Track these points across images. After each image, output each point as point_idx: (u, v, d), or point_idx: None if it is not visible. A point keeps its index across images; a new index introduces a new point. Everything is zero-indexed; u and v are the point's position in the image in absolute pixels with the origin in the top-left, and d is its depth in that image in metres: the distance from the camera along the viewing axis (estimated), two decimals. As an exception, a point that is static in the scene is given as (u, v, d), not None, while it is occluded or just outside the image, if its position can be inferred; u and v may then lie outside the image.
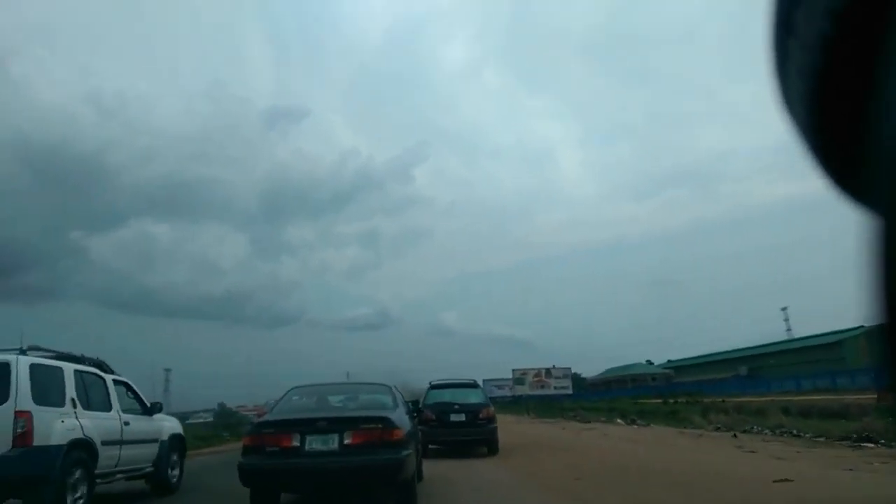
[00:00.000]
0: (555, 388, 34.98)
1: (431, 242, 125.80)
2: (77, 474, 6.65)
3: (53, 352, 7.29)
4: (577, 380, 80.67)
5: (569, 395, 36.82)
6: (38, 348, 7.01)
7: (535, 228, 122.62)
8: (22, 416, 6.01)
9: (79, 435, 6.73)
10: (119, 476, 7.85)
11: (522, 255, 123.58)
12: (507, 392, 50.28)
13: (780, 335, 61.20)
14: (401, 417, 6.82)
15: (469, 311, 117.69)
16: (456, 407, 12.83)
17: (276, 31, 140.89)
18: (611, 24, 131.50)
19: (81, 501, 6.65)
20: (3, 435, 5.90)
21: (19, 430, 5.97)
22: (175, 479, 9.26)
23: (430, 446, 11.88)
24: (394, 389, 7.95)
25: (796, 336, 58.79)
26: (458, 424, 12.59)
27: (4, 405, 5.99)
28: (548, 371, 35.38)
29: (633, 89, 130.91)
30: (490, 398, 43.61)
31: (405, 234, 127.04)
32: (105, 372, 8.07)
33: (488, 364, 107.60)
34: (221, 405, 50.68)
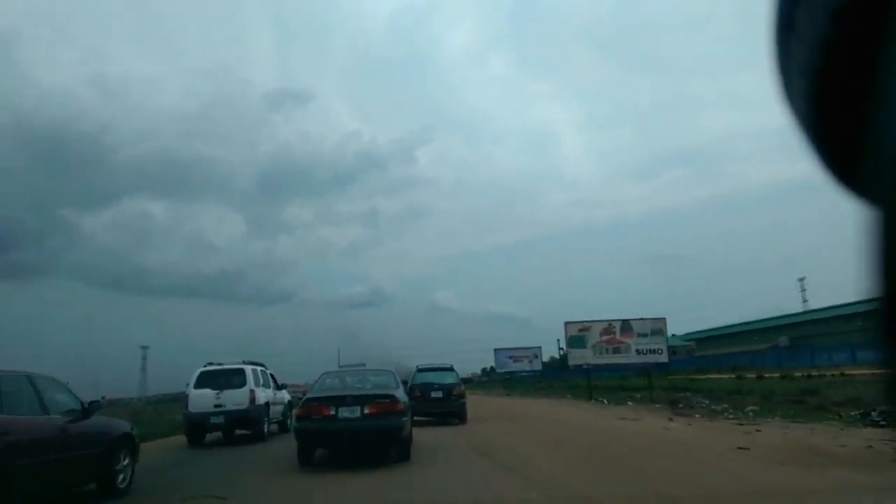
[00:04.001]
0: (637, 351, 22.35)
1: (434, 221, 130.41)
2: (265, 419, 14.41)
3: (250, 360, 14.97)
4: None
5: (663, 365, 24.01)
6: (248, 361, 14.71)
7: (540, 208, 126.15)
8: (252, 392, 13.76)
9: (266, 399, 14.49)
10: (273, 422, 15.56)
11: (526, 233, 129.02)
12: (527, 365, 40.49)
13: (796, 307, 58.17)
14: (401, 394, 9.55)
15: (470, 289, 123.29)
16: (436, 386, 16.13)
17: (281, 15, 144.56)
18: (616, 10, 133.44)
19: (267, 431, 14.41)
20: (244, 399, 13.63)
21: (251, 397, 13.71)
22: (289, 426, 17.00)
23: (414, 417, 13.36)
24: (395, 374, 10.89)
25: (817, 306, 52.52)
26: (437, 400, 15.96)
27: (245, 387, 13.70)
28: (625, 324, 22.71)
29: (637, 73, 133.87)
30: (507, 373, 42.05)
31: (408, 213, 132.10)
32: (266, 368, 15.82)
33: (489, 340, 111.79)
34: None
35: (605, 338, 22.81)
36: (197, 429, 13.61)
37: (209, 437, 14.17)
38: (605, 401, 22.21)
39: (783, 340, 51.50)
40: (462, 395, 16.60)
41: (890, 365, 0.45)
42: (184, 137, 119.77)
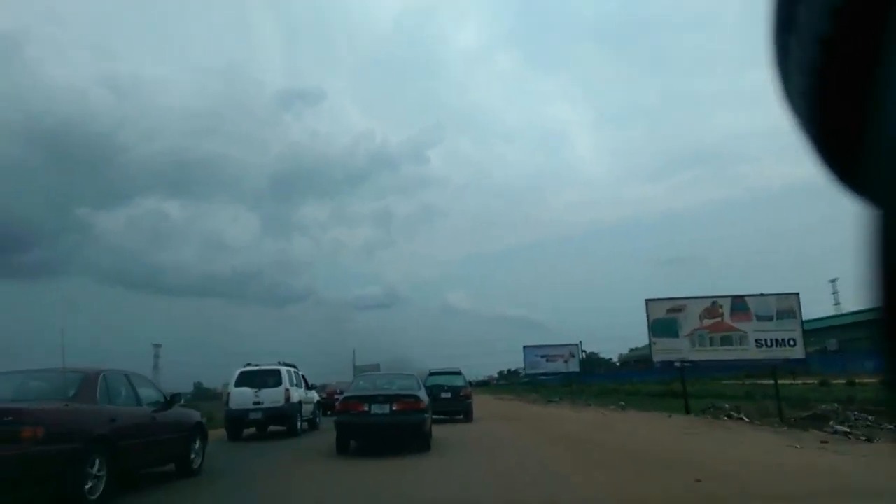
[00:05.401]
0: (757, 341, 15.56)
1: (446, 222, 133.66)
2: (298, 416, 15.80)
3: (284, 362, 16.38)
4: (595, 361, 72.19)
5: (797, 363, 16.98)
6: (283, 363, 16.12)
7: (550, 209, 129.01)
8: (287, 391, 15.15)
9: (299, 398, 15.89)
10: (305, 419, 16.94)
11: (536, 235, 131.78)
12: (562, 365, 32.98)
13: (828, 310, 54.31)
14: (423, 394, 11.28)
15: (481, 291, 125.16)
16: (445, 388, 18.23)
17: (289, 15, 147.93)
18: (625, 7, 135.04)
19: (300, 427, 15.79)
20: (280, 397, 15.03)
21: (286, 396, 15.10)
22: (318, 424, 18.40)
23: None
24: (417, 377, 12.87)
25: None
26: (446, 400, 17.81)
27: (280, 386, 15.09)
28: (738, 302, 16.07)
29: (648, 72, 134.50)
30: (528, 376, 42.60)
31: (421, 214, 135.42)
32: (298, 370, 17.23)
33: (498, 342, 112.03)
34: (198, 385, 51.48)
35: (707, 322, 16.18)
36: (237, 423, 15.00)
37: (245, 432, 15.55)
38: (725, 416, 14.81)
39: (832, 343, 48.02)
40: (468, 397, 18.61)
41: (892, 373, 0.44)
42: (195, 136, 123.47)
